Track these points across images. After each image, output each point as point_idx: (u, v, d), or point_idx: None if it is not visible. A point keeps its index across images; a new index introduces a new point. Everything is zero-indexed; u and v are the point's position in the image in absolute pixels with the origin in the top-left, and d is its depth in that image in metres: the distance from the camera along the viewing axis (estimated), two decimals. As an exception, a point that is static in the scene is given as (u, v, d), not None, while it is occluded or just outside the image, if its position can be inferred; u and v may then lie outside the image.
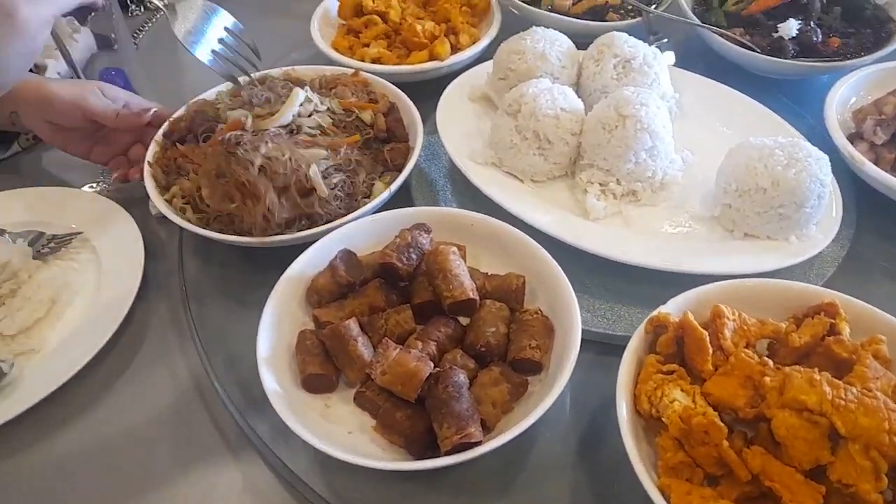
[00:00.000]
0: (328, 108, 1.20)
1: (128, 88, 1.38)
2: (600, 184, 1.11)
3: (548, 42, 1.23)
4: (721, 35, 1.32)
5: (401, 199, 1.17)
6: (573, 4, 1.45)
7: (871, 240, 1.13)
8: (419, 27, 1.38)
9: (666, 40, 1.28)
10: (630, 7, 1.43)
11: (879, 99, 1.21)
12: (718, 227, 1.08)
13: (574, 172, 1.17)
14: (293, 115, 1.17)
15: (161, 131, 1.20)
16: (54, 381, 0.95)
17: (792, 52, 1.29)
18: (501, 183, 1.15)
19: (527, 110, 1.11)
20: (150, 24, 1.77)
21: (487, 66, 1.34)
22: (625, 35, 1.22)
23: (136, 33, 1.73)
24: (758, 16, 1.35)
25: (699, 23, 1.34)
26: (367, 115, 1.21)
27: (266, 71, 1.32)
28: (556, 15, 1.41)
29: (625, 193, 1.12)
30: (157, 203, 1.07)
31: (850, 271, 1.08)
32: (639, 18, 1.40)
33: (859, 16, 1.35)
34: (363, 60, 1.39)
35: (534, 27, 1.26)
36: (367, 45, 1.42)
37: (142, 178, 1.13)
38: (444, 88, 1.31)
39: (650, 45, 1.25)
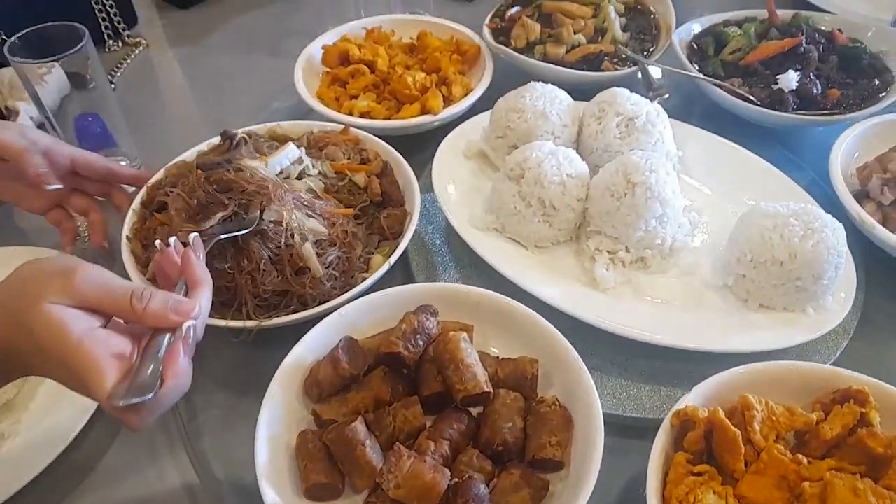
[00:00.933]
0: (320, 172, 1.13)
1: (105, 136, 1.30)
2: (609, 251, 1.07)
3: (548, 100, 1.18)
4: (720, 87, 1.29)
5: (397, 264, 1.11)
6: (566, 52, 1.40)
7: (882, 303, 1.10)
8: (410, 79, 1.33)
9: (667, 96, 1.25)
10: (625, 56, 1.40)
11: (884, 155, 1.19)
12: (731, 297, 1.04)
13: (579, 237, 1.12)
14: (282, 168, 1.09)
15: (138, 199, 1.12)
16: (18, 479, 0.87)
17: (792, 104, 1.26)
18: (504, 251, 1.09)
19: (531, 176, 1.06)
20: (128, 61, 1.68)
21: (481, 118, 1.30)
22: (626, 92, 1.19)
23: (114, 71, 1.64)
24: (755, 65, 1.33)
25: (698, 75, 1.31)
26: (360, 178, 1.15)
27: (250, 127, 1.25)
28: (550, 65, 1.36)
29: (634, 261, 1.07)
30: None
31: (863, 337, 1.04)
32: (635, 67, 1.37)
33: (857, 66, 1.33)
34: (351, 114, 1.32)
35: (532, 83, 1.22)
36: (356, 97, 1.36)
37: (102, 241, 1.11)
38: (435, 140, 1.26)
39: (651, 101, 1.21)
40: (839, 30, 1.40)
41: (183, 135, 1.43)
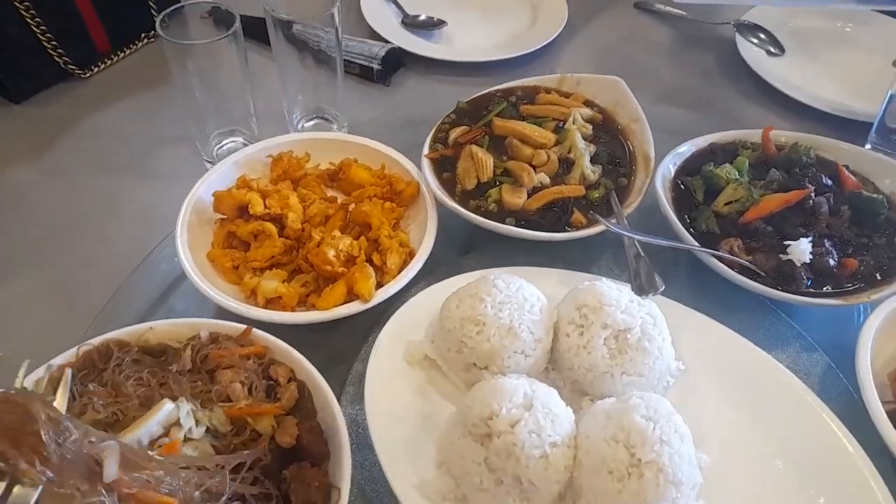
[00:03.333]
0: (209, 428, 0.82)
1: None
2: (606, 539, 0.81)
3: (515, 307, 0.90)
4: (719, 259, 1.05)
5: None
6: (528, 199, 1.12)
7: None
8: (331, 251, 1.01)
9: (662, 289, 0.98)
10: (600, 221, 1.13)
11: (918, 356, 0.98)
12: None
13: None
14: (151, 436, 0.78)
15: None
16: None
17: (805, 280, 1.03)
18: (469, 534, 0.82)
19: (502, 445, 0.78)
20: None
21: (425, 300, 1.01)
22: (614, 292, 0.92)
23: None
24: (756, 223, 1.09)
25: (696, 246, 1.05)
26: (265, 425, 0.84)
27: (110, 335, 0.91)
28: (509, 227, 1.08)
29: (637, 543, 0.82)
30: None
31: None
32: (612, 221, 1.10)
33: (872, 220, 1.11)
34: (255, 300, 1.01)
35: (493, 277, 0.93)
36: (260, 271, 1.04)
37: None
38: (362, 322, 1.01)
39: (643, 296, 0.95)
40: (846, 166, 1.19)
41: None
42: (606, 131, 1.26)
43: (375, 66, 1.56)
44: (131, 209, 1.27)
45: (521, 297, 0.91)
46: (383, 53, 1.57)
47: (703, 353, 0.99)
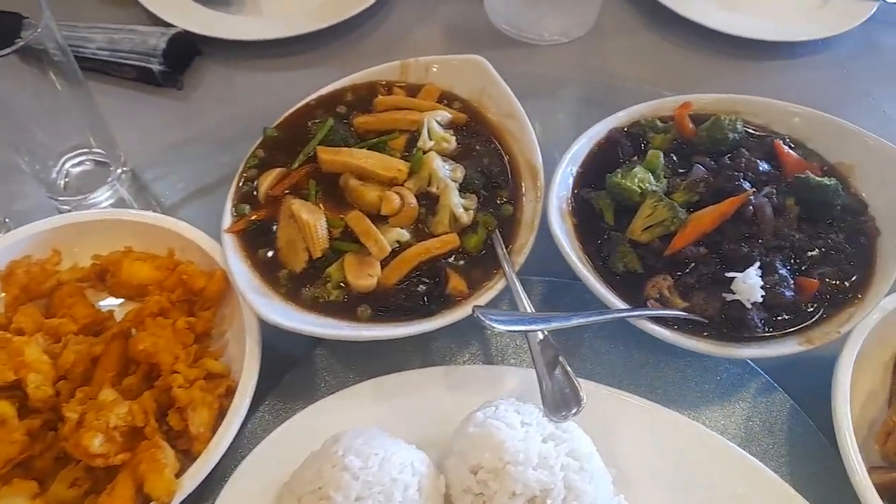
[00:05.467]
0: None
1: None
2: None
3: (382, 498, 0.60)
4: (652, 319, 0.77)
5: None
6: (383, 271, 0.80)
7: None
8: (95, 439, 0.66)
9: (584, 404, 0.69)
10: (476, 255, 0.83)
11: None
12: None
13: None
14: None
15: None
16: None
17: (757, 324, 0.78)
18: None
19: None
20: None
21: (262, 465, 0.70)
22: (519, 440, 0.63)
23: None
24: (687, 248, 0.81)
25: (628, 311, 0.76)
26: None
27: None
28: (358, 329, 0.76)
29: None
30: None
31: None
32: (501, 282, 0.80)
33: (826, 213, 0.85)
34: (-5, 536, 0.66)
35: (341, 453, 0.61)
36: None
37: None
38: None
39: (559, 418, 0.67)
40: (785, 140, 0.92)
41: None
42: (475, 135, 0.93)
43: (156, 67, 1.13)
44: None
45: (388, 478, 0.61)
46: (164, 45, 1.14)
47: (646, 458, 0.73)
